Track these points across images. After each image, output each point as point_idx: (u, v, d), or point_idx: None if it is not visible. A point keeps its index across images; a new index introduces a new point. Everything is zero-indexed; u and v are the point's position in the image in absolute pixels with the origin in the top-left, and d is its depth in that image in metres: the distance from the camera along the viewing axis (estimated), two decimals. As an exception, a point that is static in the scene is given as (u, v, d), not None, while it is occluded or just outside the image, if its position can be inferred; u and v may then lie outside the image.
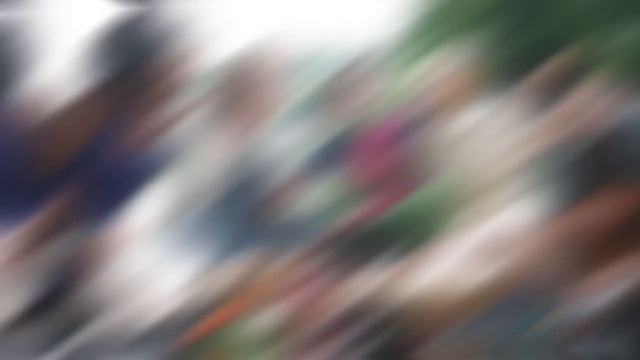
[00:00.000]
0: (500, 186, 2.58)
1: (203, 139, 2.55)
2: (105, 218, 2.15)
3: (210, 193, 2.52)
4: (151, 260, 2.06)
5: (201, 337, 1.57)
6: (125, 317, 1.95)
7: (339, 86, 2.89)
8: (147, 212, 2.62)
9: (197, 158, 2.55)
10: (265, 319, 1.86)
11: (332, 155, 2.87)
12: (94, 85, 2.19)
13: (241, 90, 2.57)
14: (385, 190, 2.79)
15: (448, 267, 1.88)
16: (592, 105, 1.91)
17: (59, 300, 2.11)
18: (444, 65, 2.73)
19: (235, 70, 2.56)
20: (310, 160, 2.95)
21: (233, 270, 2.15)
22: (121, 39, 2.14)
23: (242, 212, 2.63)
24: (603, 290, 1.73)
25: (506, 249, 1.97)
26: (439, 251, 2.26)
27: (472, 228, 2.45)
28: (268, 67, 2.56)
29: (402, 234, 2.46)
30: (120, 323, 1.96)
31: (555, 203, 2.14)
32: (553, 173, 2.18)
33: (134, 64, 2.16)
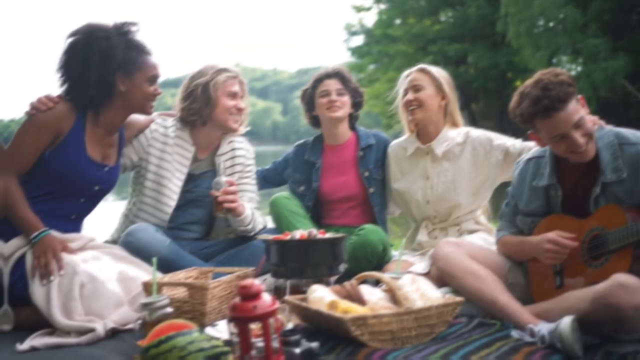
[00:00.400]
0: (461, 211, 2.62)
1: (164, 152, 2.55)
2: (60, 224, 2.13)
3: (167, 205, 2.51)
4: (102, 268, 2.04)
5: (149, 348, 1.56)
6: (74, 323, 1.94)
7: (300, 105, 2.93)
8: (104, 220, 2.60)
9: (157, 170, 2.54)
10: (213, 332, 1.86)
11: (291, 170, 2.89)
12: (60, 92, 2.19)
13: (203, 106, 2.58)
14: (343, 209, 2.82)
15: (399, 288, 1.90)
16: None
17: (10, 299, 2.08)
18: (404, 87, 2.77)
19: (197, 89, 2.58)
20: (267, 175, 2.97)
21: (183, 282, 2.14)
22: (88, 49, 2.14)
23: (196, 226, 2.63)
24: (552, 317, 1.76)
25: (459, 271, 2.01)
26: (391, 271, 2.29)
27: (427, 250, 2.50)
28: (229, 87, 2.59)
29: (356, 251, 2.49)
30: (69, 328, 1.94)
31: (512, 230, 2.19)
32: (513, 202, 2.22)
33: (102, 74, 2.16)
